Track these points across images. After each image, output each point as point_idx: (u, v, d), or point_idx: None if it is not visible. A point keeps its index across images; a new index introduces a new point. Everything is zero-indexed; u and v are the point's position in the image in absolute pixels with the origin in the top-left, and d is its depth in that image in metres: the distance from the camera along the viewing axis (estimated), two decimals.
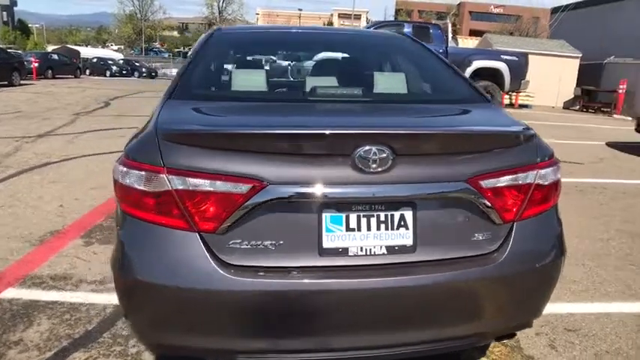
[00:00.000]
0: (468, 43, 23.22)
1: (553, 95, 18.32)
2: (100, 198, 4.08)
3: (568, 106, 18.84)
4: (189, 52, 2.33)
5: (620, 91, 15.98)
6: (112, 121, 8.61)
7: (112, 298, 2.47)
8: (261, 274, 1.38)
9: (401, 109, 1.91)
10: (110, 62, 32.98)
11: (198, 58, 2.13)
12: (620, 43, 17.28)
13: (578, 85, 18.25)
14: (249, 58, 2.63)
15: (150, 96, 14.39)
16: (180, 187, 1.37)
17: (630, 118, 15.21)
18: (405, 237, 1.46)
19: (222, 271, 1.35)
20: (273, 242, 1.40)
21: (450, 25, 11.56)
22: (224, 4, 65.79)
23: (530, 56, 13.56)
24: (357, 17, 61.14)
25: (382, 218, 1.45)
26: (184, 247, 1.38)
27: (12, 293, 2.50)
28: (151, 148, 1.40)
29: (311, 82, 2.01)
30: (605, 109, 17.01)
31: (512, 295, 1.62)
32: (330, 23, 61.19)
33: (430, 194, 1.47)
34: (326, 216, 1.41)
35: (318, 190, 1.37)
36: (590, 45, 18.22)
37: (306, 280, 1.39)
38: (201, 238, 1.38)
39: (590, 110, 17.45)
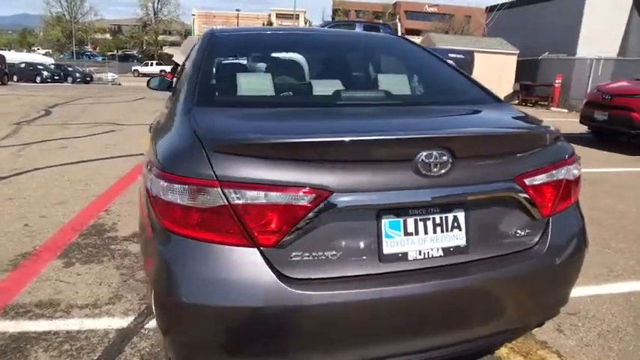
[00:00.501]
0: None
1: (494, 90, 19.20)
2: (69, 214, 3.78)
3: (508, 100, 19.89)
4: (190, 58, 2.19)
5: (556, 85, 17.08)
6: (59, 131, 8.04)
7: (112, 322, 2.30)
8: (325, 285, 1.32)
9: (438, 111, 1.91)
10: (40, 67, 30.86)
11: (208, 62, 2.01)
12: (553, 40, 18.44)
13: (516, 80, 19.30)
14: (260, 61, 2.53)
15: (92, 102, 13.62)
16: (238, 202, 1.28)
17: (566, 110, 16.34)
18: (458, 238, 1.46)
19: (286, 286, 1.28)
20: (334, 252, 1.34)
21: (399, 25, 11.82)
22: (159, 5, 63.63)
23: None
24: (295, 17, 61.25)
25: (437, 221, 1.43)
26: (244, 264, 1.29)
27: None
28: (198, 160, 1.30)
29: (331, 86, 1.96)
30: (542, 103, 18.11)
31: (551, 285, 1.67)
32: (270, 23, 60.72)
33: (482, 194, 1.47)
34: (385, 222, 1.38)
35: (380, 196, 1.34)
36: (525, 42, 19.29)
37: (369, 289, 1.34)
38: (262, 253, 1.30)
39: (528, 104, 18.50)
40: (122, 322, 2.31)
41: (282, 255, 1.31)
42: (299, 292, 1.29)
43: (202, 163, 1.29)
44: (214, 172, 1.28)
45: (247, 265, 1.29)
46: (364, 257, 1.37)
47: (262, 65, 2.47)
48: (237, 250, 1.29)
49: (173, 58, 3.10)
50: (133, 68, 42.62)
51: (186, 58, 2.71)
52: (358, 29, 10.73)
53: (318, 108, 1.85)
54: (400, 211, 1.39)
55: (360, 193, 1.32)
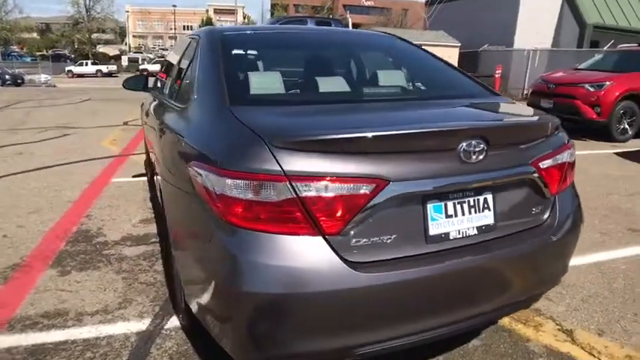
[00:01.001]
0: None
1: None
2: (47, 222, 3.63)
3: None
4: (198, 58, 2.19)
5: (497, 75, 18.04)
6: (8, 137, 7.54)
7: (129, 326, 2.28)
8: (382, 267, 1.43)
9: (458, 104, 2.05)
10: None
11: (228, 62, 2.05)
12: (492, 32, 19.42)
13: None
14: (277, 60, 2.58)
15: (34, 105, 12.83)
16: (305, 194, 1.36)
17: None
18: (488, 217, 1.62)
19: (351, 270, 1.38)
20: (388, 236, 1.46)
21: (349, 20, 12.01)
22: (91, 2, 60.31)
23: None
24: (232, 12, 60.49)
25: (471, 203, 1.58)
26: (312, 252, 1.38)
27: (6, 342, 2.16)
28: (264, 157, 1.37)
29: (350, 83, 2.07)
30: None
31: (558, 256, 1.87)
32: (209, 19, 59.31)
33: (507, 177, 1.64)
34: (430, 206, 1.51)
35: (427, 183, 1.47)
36: (466, 35, 20.18)
37: (419, 267, 1.47)
38: (327, 241, 1.39)
39: None
40: (140, 325, 2.30)
41: (345, 241, 1.41)
42: (362, 274, 1.39)
43: (268, 159, 1.36)
44: (281, 167, 1.35)
45: (315, 253, 1.38)
46: (413, 239, 1.50)
47: (281, 64, 2.52)
48: (304, 239, 1.38)
49: (168, 58, 3.04)
50: (67, 69, 40.13)
51: (182, 58, 2.70)
52: (310, 24, 10.79)
53: (351, 104, 1.94)
54: (442, 195, 1.53)
55: (411, 181, 1.45)
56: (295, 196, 1.36)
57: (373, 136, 1.41)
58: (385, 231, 1.46)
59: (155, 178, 3.32)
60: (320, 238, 1.38)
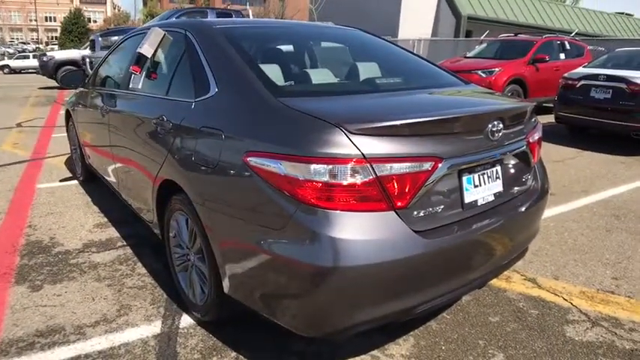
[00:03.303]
0: None
1: None
2: None
3: None
4: (206, 52, 2.17)
5: None
6: None
7: (141, 331, 2.22)
8: (437, 234, 1.66)
9: (463, 92, 2.32)
10: None
11: (249, 56, 2.11)
12: (378, 23, 20.56)
13: None
14: (296, 54, 2.58)
15: None
16: (382, 174, 1.53)
17: None
18: (499, 186, 1.94)
19: (417, 238, 1.59)
20: (438, 207, 1.68)
21: (250, 12, 11.88)
22: None
23: None
24: (100, 3, 55.91)
25: (489, 174, 1.87)
26: (387, 225, 1.55)
27: None
28: (343, 143, 1.50)
29: (362, 73, 2.24)
30: None
31: (538, 216, 2.26)
32: (78, 10, 53.75)
33: (513, 151, 1.96)
34: (464, 179, 1.78)
35: (466, 158, 1.73)
36: (353, 25, 21.11)
37: (461, 231, 1.73)
38: (398, 214, 1.57)
39: None
40: (152, 329, 2.24)
41: (409, 213, 1.61)
42: (425, 241, 1.60)
43: (348, 144, 1.50)
44: (360, 151, 1.50)
45: (390, 226, 1.55)
46: (453, 208, 1.75)
47: (296, 57, 2.54)
48: (381, 214, 1.55)
49: (141, 51, 2.71)
50: None
51: (166, 52, 2.60)
52: (211, 16, 10.52)
53: (385, 92, 2.10)
54: (472, 169, 1.80)
55: (455, 158, 1.69)
56: (374, 176, 1.53)
57: (432, 120, 1.64)
58: (436, 202, 1.69)
59: (115, 174, 3.14)
60: (392, 213, 1.57)
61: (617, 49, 7.36)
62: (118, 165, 3.04)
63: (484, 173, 1.86)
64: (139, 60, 2.71)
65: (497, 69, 8.34)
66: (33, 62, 26.51)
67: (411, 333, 2.24)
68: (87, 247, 3.11)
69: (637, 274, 3.01)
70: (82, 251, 3.04)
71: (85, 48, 13.25)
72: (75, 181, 4.50)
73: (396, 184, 1.57)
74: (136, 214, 2.96)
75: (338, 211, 1.50)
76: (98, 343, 2.13)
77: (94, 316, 2.33)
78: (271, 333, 2.19)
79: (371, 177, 1.53)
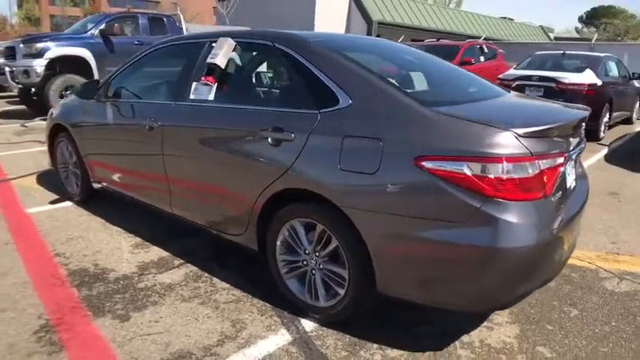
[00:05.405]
0: None
1: None
2: (15, 273, 2.85)
3: None
4: (325, 66, 2.27)
5: None
6: None
7: (275, 341, 2.24)
8: (562, 214, 2.03)
9: (536, 100, 2.74)
10: None
11: (362, 67, 2.24)
12: (293, 27, 20.88)
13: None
14: (387, 64, 2.67)
15: None
16: (544, 168, 1.85)
17: None
18: (572, 176, 2.32)
19: (557, 219, 1.97)
20: (559, 192, 2.03)
21: (181, 16, 11.45)
22: None
23: None
24: None
25: (572, 165, 2.28)
26: (545, 210, 1.90)
27: None
28: (517, 144, 1.80)
29: (447, 83, 2.52)
30: None
31: None
32: None
33: (579, 150, 2.36)
34: (567, 168, 2.14)
35: (571, 153, 2.13)
36: (269, 29, 21.22)
37: (571, 212, 2.12)
38: (547, 200, 1.90)
39: None
40: (283, 337, 2.26)
41: (550, 199, 1.93)
42: (560, 220, 1.99)
43: (520, 145, 1.80)
44: (529, 151, 1.80)
45: (545, 211, 1.90)
46: (562, 192, 2.08)
47: (397, 68, 2.65)
48: (539, 202, 1.86)
49: (215, 62, 2.43)
50: None
51: (250, 64, 2.59)
52: (142, 21, 10.01)
53: (482, 101, 2.40)
54: (567, 161, 2.14)
55: (570, 152, 2.09)
56: (539, 170, 1.84)
57: (562, 124, 2.05)
58: (558, 188, 2.02)
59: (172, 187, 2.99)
60: (545, 200, 1.89)
61: (535, 53, 8.50)
62: (175, 181, 2.91)
63: (570, 165, 2.23)
64: (212, 71, 2.64)
65: None
66: None
67: None
68: (143, 269, 2.93)
69: (624, 238, 3.67)
70: (142, 274, 2.86)
71: None
72: (68, 203, 4.10)
73: (549, 176, 1.90)
74: (206, 228, 2.87)
75: (515, 201, 1.80)
76: (238, 359, 2.10)
77: (213, 336, 2.26)
78: (393, 323, 2.38)
79: (537, 171, 1.84)
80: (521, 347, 2.24)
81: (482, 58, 10.43)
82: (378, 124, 2.02)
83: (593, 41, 11.83)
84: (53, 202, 4.12)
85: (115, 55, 8.95)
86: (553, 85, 6.96)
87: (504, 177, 1.77)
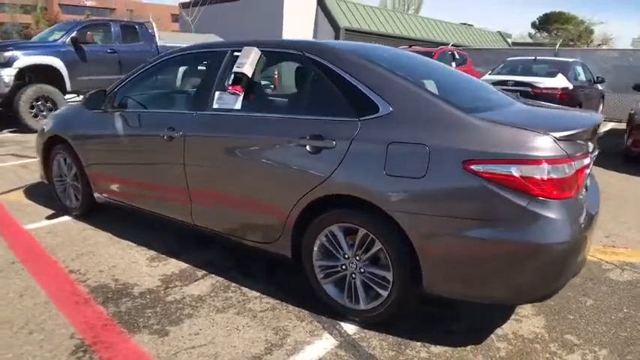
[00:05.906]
0: None
1: None
2: (30, 291, 2.73)
3: None
4: (364, 75, 2.33)
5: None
6: None
7: (322, 345, 2.28)
8: (589, 210, 2.22)
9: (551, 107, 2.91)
10: None
11: (398, 76, 2.34)
12: (261, 33, 20.89)
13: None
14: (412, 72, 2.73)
15: None
16: (577, 167, 2.00)
17: None
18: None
19: (587, 215, 2.14)
20: (583, 190, 2.19)
21: (154, 24, 11.21)
22: None
23: None
24: None
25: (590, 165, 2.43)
26: (579, 207, 2.07)
27: None
28: (556, 147, 1.94)
29: (465, 90, 2.76)
30: None
31: None
32: None
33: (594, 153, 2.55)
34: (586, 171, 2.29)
35: (593, 155, 2.29)
36: (235, 37, 21.10)
37: (589, 208, 2.26)
38: (578, 198, 2.07)
39: None
40: (328, 341, 2.30)
41: (579, 197, 2.08)
42: (589, 216, 2.17)
43: (558, 148, 1.94)
44: (566, 153, 1.94)
45: (580, 207, 2.07)
46: (586, 191, 2.25)
47: (422, 75, 2.72)
48: (574, 199, 2.01)
49: (243, 71, 2.35)
50: None
51: (278, 73, 2.60)
52: (115, 29, 9.74)
53: (505, 107, 2.52)
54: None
55: (590, 154, 2.24)
56: (575, 170, 1.99)
57: (589, 128, 2.19)
58: (583, 187, 2.18)
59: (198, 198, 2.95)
60: (576, 197, 2.04)
61: (507, 59, 8.90)
62: (198, 191, 2.88)
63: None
64: (239, 80, 2.65)
65: None
66: None
67: None
68: (167, 282, 2.87)
69: (616, 231, 3.92)
70: (168, 287, 2.81)
71: None
72: (66, 217, 3.95)
73: (580, 175, 2.05)
74: (229, 236, 2.85)
75: (556, 200, 1.93)
76: None
77: (259, 345, 2.27)
78: (429, 321, 2.48)
79: (573, 171, 1.98)
80: (552, 336, 2.37)
81: (453, 64, 10.77)
82: (422, 130, 2.10)
83: (557, 47, 12.44)
84: (50, 218, 3.96)
85: (87, 64, 8.69)
86: (529, 89, 7.32)
87: (547, 177, 1.90)
